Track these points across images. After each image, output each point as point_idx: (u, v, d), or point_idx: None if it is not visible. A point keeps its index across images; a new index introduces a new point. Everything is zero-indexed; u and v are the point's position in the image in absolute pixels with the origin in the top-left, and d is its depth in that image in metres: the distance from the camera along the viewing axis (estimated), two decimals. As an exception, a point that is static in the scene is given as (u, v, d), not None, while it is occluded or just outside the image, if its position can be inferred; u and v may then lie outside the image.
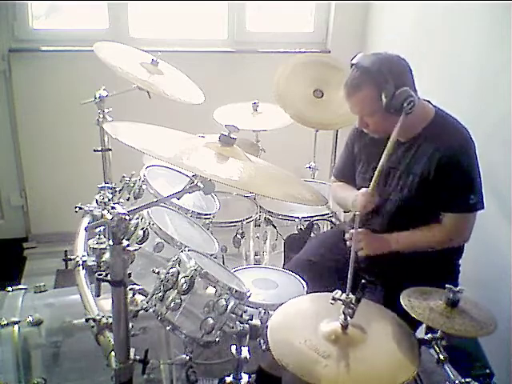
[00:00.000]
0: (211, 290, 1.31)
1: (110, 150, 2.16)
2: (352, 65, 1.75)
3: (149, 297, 1.33)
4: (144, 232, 1.50)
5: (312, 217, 2.32)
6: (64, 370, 1.54)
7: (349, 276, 1.25)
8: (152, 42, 3.15)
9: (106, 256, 1.49)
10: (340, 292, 1.24)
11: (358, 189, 1.98)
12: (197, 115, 2.48)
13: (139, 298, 1.36)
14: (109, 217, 1.08)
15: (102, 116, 2.11)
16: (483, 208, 1.77)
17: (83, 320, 1.34)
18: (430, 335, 1.34)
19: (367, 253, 1.79)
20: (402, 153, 1.82)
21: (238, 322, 1.29)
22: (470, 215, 1.78)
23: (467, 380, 1.31)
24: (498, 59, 2.21)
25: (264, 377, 1.80)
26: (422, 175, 1.76)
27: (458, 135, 1.75)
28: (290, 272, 1.78)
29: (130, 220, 1.11)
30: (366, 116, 1.76)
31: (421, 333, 1.50)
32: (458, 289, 1.29)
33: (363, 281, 1.22)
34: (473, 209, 1.76)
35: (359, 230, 1.78)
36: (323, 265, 1.93)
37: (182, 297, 1.28)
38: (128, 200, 1.89)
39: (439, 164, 1.72)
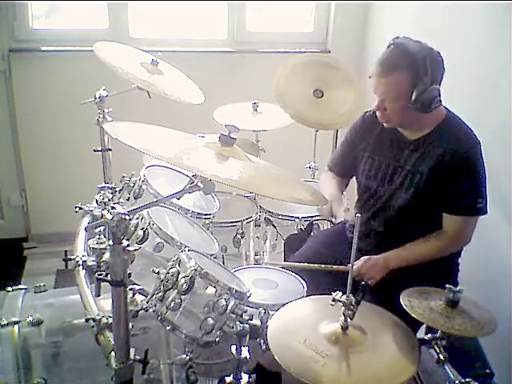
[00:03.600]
0: (211, 290, 1.31)
1: (110, 150, 2.16)
2: (391, 44, 1.68)
3: (149, 297, 1.33)
4: (144, 232, 1.50)
5: (312, 217, 2.32)
6: (64, 370, 1.54)
7: (349, 277, 1.25)
8: (152, 42, 3.15)
9: (106, 256, 1.49)
10: (340, 293, 1.24)
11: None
12: (197, 115, 2.48)
13: (139, 297, 1.36)
14: (109, 217, 1.08)
15: (101, 116, 2.10)
16: (487, 213, 1.75)
17: (83, 320, 1.34)
18: (430, 335, 1.34)
19: (376, 280, 1.75)
20: (410, 151, 1.80)
21: (237, 322, 1.29)
22: (475, 219, 1.77)
23: (467, 380, 1.32)
24: (498, 59, 2.21)
25: (263, 373, 1.80)
26: (429, 175, 1.74)
27: (468, 137, 1.74)
28: (290, 272, 1.78)
29: (130, 220, 1.11)
30: (389, 100, 1.71)
31: (421, 333, 1.50)
32: (457, 289, 1.29)
33: (363, 282, 1.22)
34: (479, 212, 1.75)
35: (359, 263, 1.77)
36: (323, 263, 1.92)
37: (182, 297, 1.29)
38: (128, 200, 1.89)
39: (449, 165, 1.70)
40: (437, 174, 1.73)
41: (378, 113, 1.79)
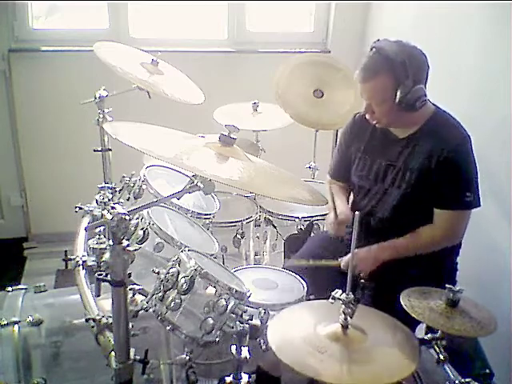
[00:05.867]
0: (211, 290, 1.31)
1: (110, 150, 2.16)
2: (373, 48, 1.72)
3: (149, 297, 1.33)
4: (144, 232, 1.50)
5: (312, 217, 2.32)
6: (64, 370, 1.54)
7: (349, 275, 1.25)
8: (152, 42, 3.15)
9: (106, 256, 1.48)
10: (340, 291, 1.24)
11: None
12: (197, 115, 2.48)
13: (139, 297, 1.36)
14: (109, 217, 1.08)
15: (102, 116, 2.10)
16: (479, 206, 1.76)
17: (83, 320, 1.34)
18: (430, 335, 1.34)
19: (367, 272, 1.76)
20: (400, 149, 1.83)
21: (237, 322, 1.29)
22: (465, 213, 1.78)
23: (467, 380, 1.32)
24: (498, 59, 2.21)
25: (263, 376, 1.80)
26: (420, 171, 1.76)
27: (456, 133, 1.76)
28: (290, 272, 1.78)
29: (130, 220, 1.10)
30: (375, 104, 1.75)
31: (421, 333, 1.50)
32: (458, 289, 1.29)
33: (362, 280, 1.22)
34: (468, 206, 1.76)
35: (349, 255, 1.76)
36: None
37: (182, 297, 1.28)
38: (128, 200, 1.89)
39: (438, 160, 1.72)
40: (426, 170, 1.75)
41: (367, 115, 1.82)
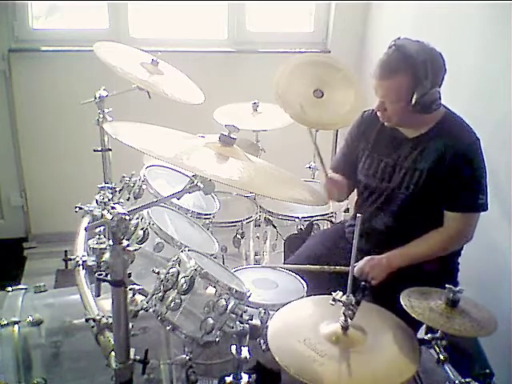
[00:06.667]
0: (211, 290, 1.31)
1: (110, 150, 2.16)
2: (393, 45, 1.68)
3: (149, 297, 1.33)
4: (144, 232, 1.50)
5: (312, 217, 2.32)
6: (64, 370, 1.53)
7: (349, 277, 1.25)
8: (152, 42, 3.15)
9: (106, 256, 1.49)
10: (341, 293, 1.24)
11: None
12: (197, 115, 2.48)
13: (139, 297, 1.36)
14: (109, 217, 1.08)
15: (102, 116, 2.10)
16: (487, 209, 1.76)
17: (83, 320, 1.34)
18: (430, 335, 1.34)
19: (379, 280, 1.75)
20: (409, 149, 1.81)
21: (238, 322, 1.29)
22: (476, 215, 1.77)
23: (467, 380, 1.32)
24: (498, 59, 2.21)
25: (263, 371, 1.80)
26: (429, 172, 1.75)
27: (467, 134, 1.74)
28: (290, 272, 1.78)
29: (130, 220, 1.10)
30: (389, 102, 1.72)
31: (421, 333, 1.50)
32: (457, 289, 1.29)
33: (363, 282, 1.22)
34: (481, 209, 1.75)
35: (362, 262, 1.77)
36: (323, 263, 1.92)
37: (182, 297, 1.28)
38: (128, 200, 1.89)
39: (449, 162, 1.70)
40: (436, 171, 1.74)
41: (378, 112, 1.79)
